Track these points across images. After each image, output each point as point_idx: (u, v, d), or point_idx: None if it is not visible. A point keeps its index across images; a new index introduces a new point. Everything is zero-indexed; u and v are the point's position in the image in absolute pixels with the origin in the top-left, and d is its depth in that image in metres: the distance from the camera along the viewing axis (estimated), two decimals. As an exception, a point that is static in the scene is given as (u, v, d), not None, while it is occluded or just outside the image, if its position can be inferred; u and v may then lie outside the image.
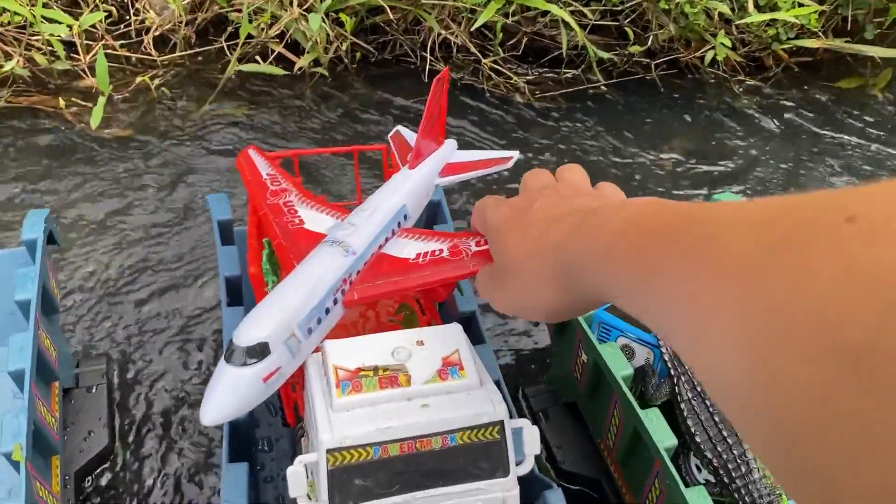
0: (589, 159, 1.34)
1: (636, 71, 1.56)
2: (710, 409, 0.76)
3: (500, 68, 1.50)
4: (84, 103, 1.37)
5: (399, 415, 0.56)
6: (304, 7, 1.37)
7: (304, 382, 0.63)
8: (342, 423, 0.56)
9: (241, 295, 0.83)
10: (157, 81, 1.41)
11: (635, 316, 0.36)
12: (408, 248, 0.73)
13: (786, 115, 1.48)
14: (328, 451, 0.54)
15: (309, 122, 1.39)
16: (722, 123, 1.46)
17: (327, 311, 0.66)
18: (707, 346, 0.27)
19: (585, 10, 1.46)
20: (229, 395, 0.59)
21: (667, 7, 1.42)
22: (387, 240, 0.73)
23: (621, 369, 0.78)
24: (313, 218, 0.80)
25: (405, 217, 0.77)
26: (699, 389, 0.77)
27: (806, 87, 1.54)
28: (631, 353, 0.85)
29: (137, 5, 1.45)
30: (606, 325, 0.87)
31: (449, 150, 0.87)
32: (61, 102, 1.35)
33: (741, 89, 1.53)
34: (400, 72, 1.52)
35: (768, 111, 1.49)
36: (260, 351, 0.60)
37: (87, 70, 1.41)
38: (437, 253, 0.70)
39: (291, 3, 1.37)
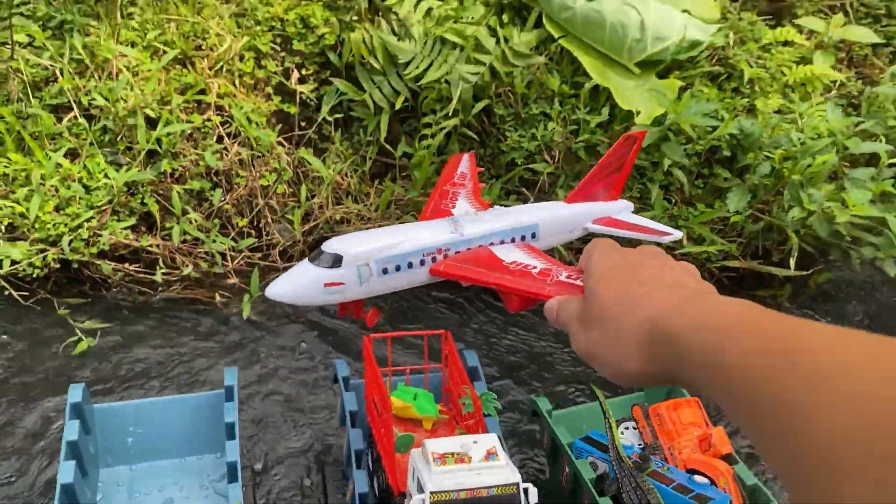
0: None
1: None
2: (641, 499, 1.29)
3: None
4: (229, 295, 2.01)
5: (466, 477, 1.12)
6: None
7: (409, 466, 1.18)
8: (437, 480, 1.11)
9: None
10: (280, 282, 2.05)
11: (729, 416, 0.39)
12: (512, 254, 0.86)
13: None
14: (431, 492, 1.09)
15: (388, 307, 2.00)
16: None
17: (410, 265, 0.83)
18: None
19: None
20: (293, 279, 0.81)
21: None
22: (502, 241, 0.89)
23: (589, 475, 1.33)
24: (461, 207, 1.02)
25: (533, 235, 0.92)
26: (633, 486, 1.31)
27: (732, 295, 2.14)
28: (595, 466, 1.40)
29: (268, 229, 2.12)
30: (581, 449, 1.42)
31: (618, 207, 1.02)
32: (217, 297, 1.98)
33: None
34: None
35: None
36: (334, 261, 0.81)
37: (231, 272, 2.05)
38: (528, 267, 0.81)
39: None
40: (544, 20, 2.10)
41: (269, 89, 2.19)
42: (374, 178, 2.26)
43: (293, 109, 2.19)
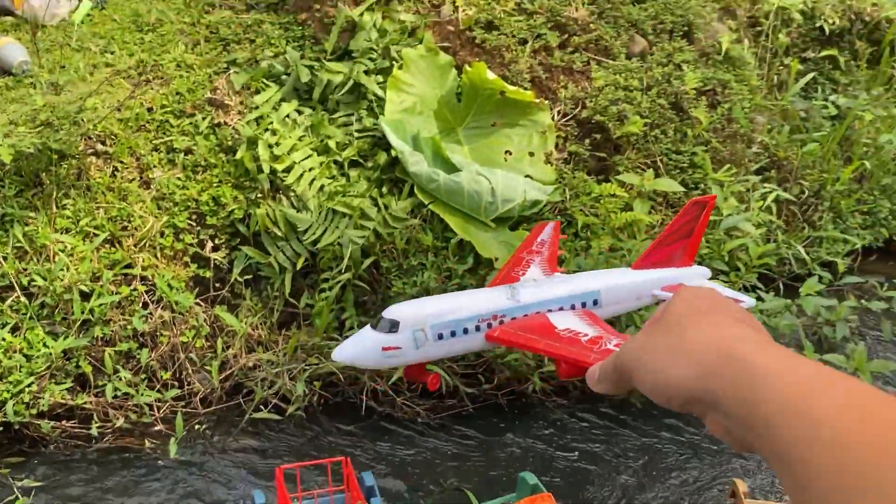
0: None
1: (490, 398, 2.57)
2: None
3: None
4: (157, 441, 2.29)
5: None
6: (291, 376, 2.39)
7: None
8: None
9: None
10: (202, 426, 2.36)
11: (777, 453, 0.40)
12: (566, 321, 0.87)
13: (581, 420, 2.49)
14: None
15: (297, 438, 2.33)
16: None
17: (465, 330, 0.86)
18: None
19: (455, 365, 2.51)
20: (354, 344, 0.88)
21: (503, 361, 2.48)
22: (561, 308, 0.90)
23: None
24: (533, 274, 1.02)
25: (595, 303, 0.93)
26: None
27: (592, 403, 2.58)
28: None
29: (189, 379, 2.44)
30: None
31: (691, 274, 1.00)
32: (146, 443, 2.27)
33: (552, 405, 2.55)
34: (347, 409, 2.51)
35: (572, 415, 2.50)
36: (391, 326, 0.85)
37: (158, 420, 2.34)
38: (579, 334, 0.83)
39: (287, 374, 2.38)
40: (416, 190, 2.58)
41: (187, 258, 2.57)
42: (281, 326, 2.62)
43: (208, 274, 2.57)
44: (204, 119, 2.72)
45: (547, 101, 2.89)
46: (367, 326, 0.90)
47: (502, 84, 2.76)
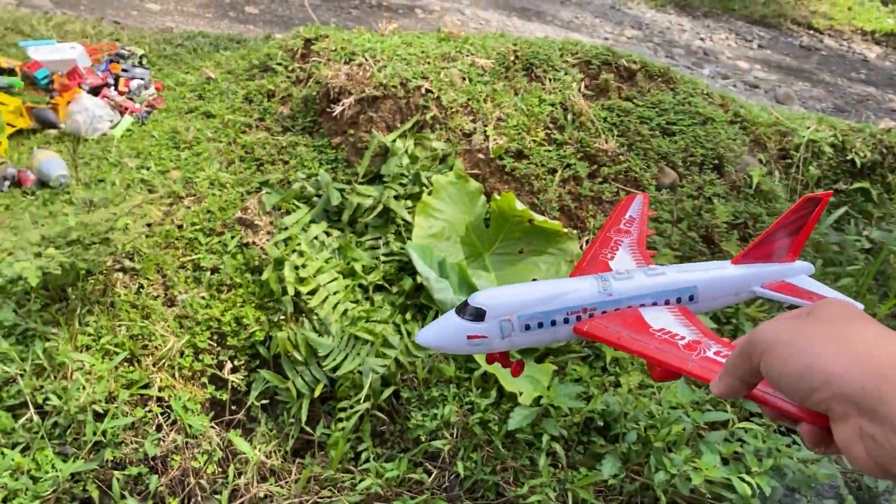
0: None
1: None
2: None
3: None
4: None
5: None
6: None
7: None
8: None
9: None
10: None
11: None
12: (661, 319, 0.81)
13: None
14: None
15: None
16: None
17: (553, 322, 0.81)
18: None
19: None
20: (438, 329, 0.83)
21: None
22: (654, 303, 0.84)
23: None
24: (622, 260, 0.96)
25: (691, 298, 0.86)
26: None
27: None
28: None
29: (198, 509, 2.33)
30: None
31: (795, 271, 0.93)
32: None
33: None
34: None
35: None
36: (477, 315, 0.81)
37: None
38: (675, 336, 0.76)
39: (296, 510, 2.27)
40: (440, 318, 2.54)
41: (205, 379, 2.52)
42: (296, 453, 2.53)
43: (225, 396, 2.51)
44: (233, 238, 2.74)
45: (575, 231, 2.88)
46: (452, 312, 0.85)
47: (531, 214, 2.75)
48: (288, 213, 2.81)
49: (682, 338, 0.76)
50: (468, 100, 3.03)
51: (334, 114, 3.00)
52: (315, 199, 2.86)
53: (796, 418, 0.57)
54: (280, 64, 3.39)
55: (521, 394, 2.42)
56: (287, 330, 2.53)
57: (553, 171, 2.94)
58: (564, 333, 0.85)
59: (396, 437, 2.51)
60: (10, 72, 3.63)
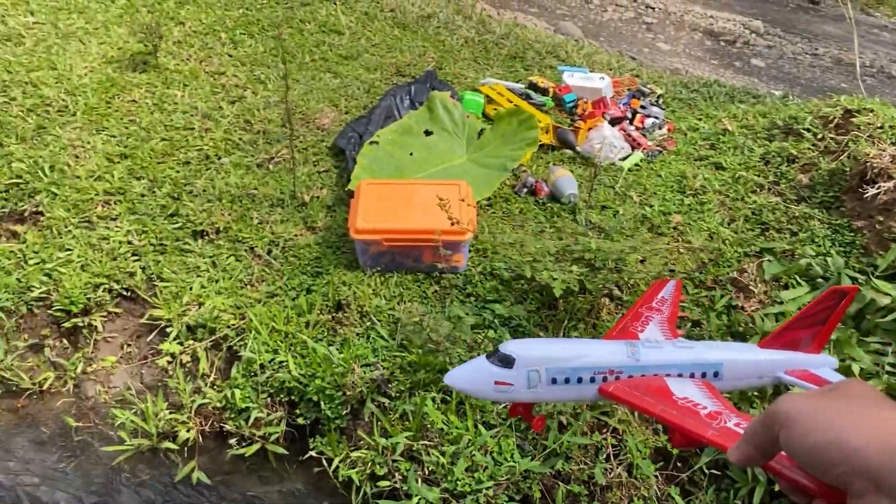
0: None
1: None
2: None
3: None
4: None
5: None
6: None
7: None
8: None
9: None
10: None
11: None
12: (685, 389, 0.83)
13: None
14: None
15: None
16: None
17: (580, 380, 0.84)
18: None
19: None
20: (467, 372, 0.85)
21: None
22: (680, 375, 0.86)
23: None
24: (652, 333, 1.01)
25: (716, 374, 0.88)
26: None
27: None
28: None
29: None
30: None
31: (819, 362, 0.94)
32: None
33: None
34: None
35: None
36: (506, 361, 0.84)
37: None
38: (698, 406, 0.79)
39: None
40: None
41: (659, 426, 2.51)
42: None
43: (675, 451, 2.46)
44: (722, 297, 2.67)
45: None
46: (483, 356, 0.87)
47: None
48: (787, 287, 2.65)
49: (704, 407, 0.77)
50: None
51: (865, 195, 2.73)
52: (819, 280, 2.64)
53: (812, 493, 0.57)
54: (808, 130, 3.20)
55: None
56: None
57: None
58: (590, 393, 0.85)
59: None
60: (545, 91, 4.06)
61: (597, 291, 2.50)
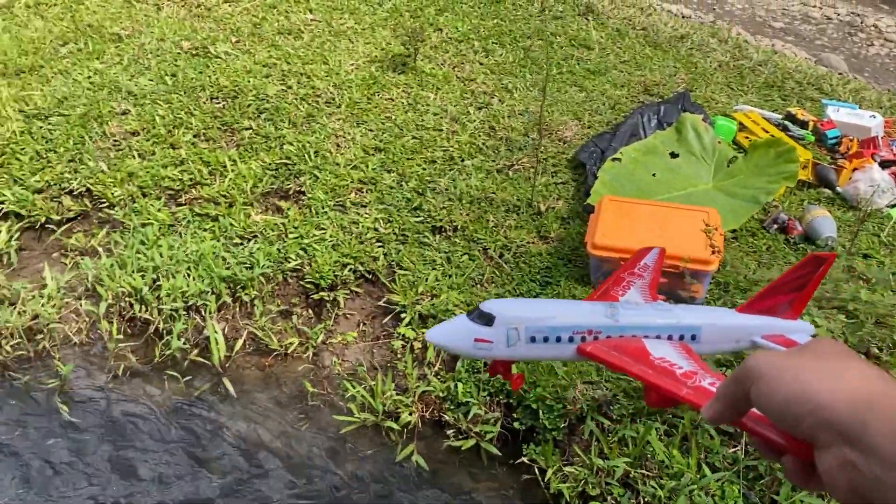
0: None
1: None
2: None
3: None
4: None
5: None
6: None
7: None
8: None
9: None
10: None
11: None
12: (661, 350, 0.84)
13: None
14: None
15: None
16: None
17: (558, 339, 0.85)
18: None
19: None
20: (448, 329, 0.88)
21: None
22: (658, 336, 0.87)
23: None
24: (631, 295, 1.03)
25: (693, 337, 0.89)
26: None
27: None
28: None
29: None
30: None
31: (795, 328, 0.95)
32: None
33: None
34: None
35: None
36: (486, 319, 0.86)
37: None
38: (674, 366, 0.80)
39: None
40: None
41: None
42: None
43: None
44: None
45: None
46: (464, 315, 0.88)
47: None
48: None
49: (680, 367, 0.76)
50: None
51: None
52: None
53: (782, 449, 0.56)
54: None
55: None
56: None
57: None
58: (568, 352, 0.84)
59: None
60: (804, 124, 3.78)
61: (858, 346, 2.28)
